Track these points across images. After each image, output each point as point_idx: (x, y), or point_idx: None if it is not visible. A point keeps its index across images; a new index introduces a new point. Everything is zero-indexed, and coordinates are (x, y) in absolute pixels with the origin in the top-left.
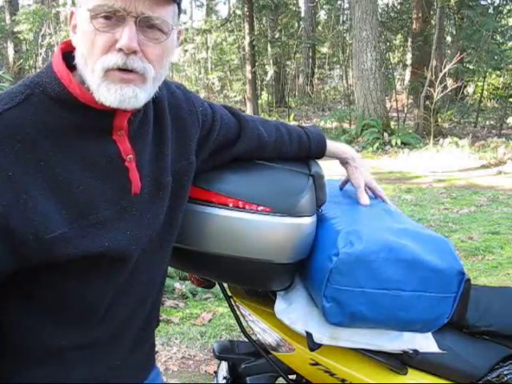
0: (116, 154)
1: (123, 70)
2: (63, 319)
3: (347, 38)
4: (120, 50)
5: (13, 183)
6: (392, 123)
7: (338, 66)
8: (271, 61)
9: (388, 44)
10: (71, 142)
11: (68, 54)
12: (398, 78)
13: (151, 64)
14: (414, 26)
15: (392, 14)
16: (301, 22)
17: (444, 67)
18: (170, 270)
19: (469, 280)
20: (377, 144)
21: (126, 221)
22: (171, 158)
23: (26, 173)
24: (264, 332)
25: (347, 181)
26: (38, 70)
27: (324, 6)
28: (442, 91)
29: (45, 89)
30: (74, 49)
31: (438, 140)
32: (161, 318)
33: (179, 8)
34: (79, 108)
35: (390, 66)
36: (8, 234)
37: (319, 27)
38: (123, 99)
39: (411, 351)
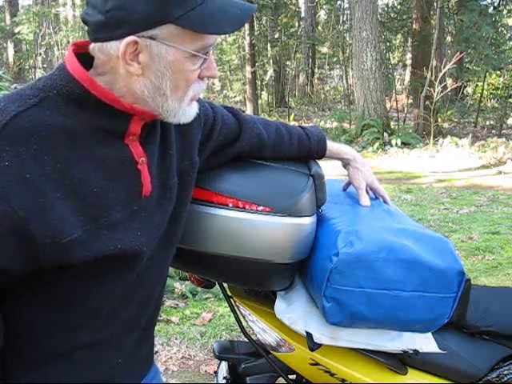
0: (129, 157)
1: None
2: (71, 320)
3: (347, 38)
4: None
5: (31, 185)
6: (392, 123)
7: (338, 66)
8: (271, 61)
9: (388, 44)
10: (86, 144)
11: (78, 54)
12: (398, 78)
13: None
14: (414, 26)
15: (392, 14)
16: (301, 22)
17: (444, 67)
18: (170, 270)
19: (469, 280)
20: (377, 144)
21: (137, 223)
22: (175, 158)
23: (43, 174)
24: (264, 332)
25: (350, 182)
26: (38, 70)
27: (324, 6)
28: (442, 91)
29: (60, 91)
30: (83, 49)
31: (438, 140)
32: (161, 318)
33: None
34: (97, 108)
35: (390, 66)
36: (26, 236)
37: (319, 27)
38: (192, 116)
39: (411, 351)
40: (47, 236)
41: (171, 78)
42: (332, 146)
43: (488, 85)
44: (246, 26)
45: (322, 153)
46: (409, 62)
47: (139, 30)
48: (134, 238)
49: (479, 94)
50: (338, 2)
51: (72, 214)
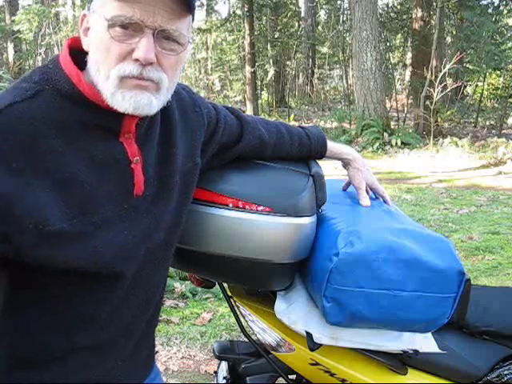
0: (123, 155)
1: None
2: (66, 323)
3: (347, 38)
4: (136, 60)
5: (15, 173)
6: (392, 123)
7: (338, 66)
8: (271, 61)
9: (388, 44)
10: (80, 139)
11: (74, 50)
12: (398, 78)
13: (166, 74)
14: (414, 26)
15: (392, 14)
16: (301, 22)
17: (444, 67)
18: (170, 270)
19: (469, 280)
20: (377, 144)
21: (126, 222)
22: (178, 159)
23: (29, 164)
24: (264, 332)
25: (350, 182)
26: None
27: (324, 6)
28: (442, 91)
29: (55, 85)
30: (81, 45)
31: (438, 140)
32: (161, 318)
33: (193, 17)
34: (89, 106)
35: (390, 66)
36: (8, 220)
37: (319, 27)
38: (138, 106)
39: (411, 351)
40: (30, 222)
41: (98, 51)
42: (332, 146)
43: (488, 85)
44: (246, 25)
45: (322, 153)
46: (409, 61)
47: None
48: (121, 237)
49: (479, 94)
50: (338, 2)
51: (58, 205)
